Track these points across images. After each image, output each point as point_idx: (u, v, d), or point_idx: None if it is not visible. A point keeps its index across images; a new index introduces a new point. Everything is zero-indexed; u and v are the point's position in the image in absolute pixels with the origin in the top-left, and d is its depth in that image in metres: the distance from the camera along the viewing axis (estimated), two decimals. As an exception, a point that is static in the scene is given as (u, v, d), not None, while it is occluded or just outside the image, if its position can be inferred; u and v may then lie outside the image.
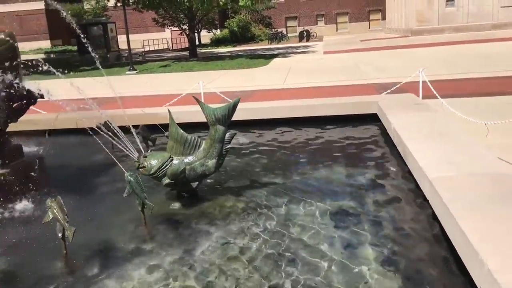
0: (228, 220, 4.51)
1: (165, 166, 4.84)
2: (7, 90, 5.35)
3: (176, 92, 10.88)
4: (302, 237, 4.05)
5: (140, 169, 4.92)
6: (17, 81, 5.43)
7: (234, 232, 4.25)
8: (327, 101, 8.75)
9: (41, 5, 50.81)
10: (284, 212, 4.60)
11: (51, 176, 5.98)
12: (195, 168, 4.87)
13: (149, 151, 5.43)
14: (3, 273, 3.79)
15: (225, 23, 52.06)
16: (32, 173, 5.44)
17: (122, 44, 49.90)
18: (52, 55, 44.85)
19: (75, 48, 41.25)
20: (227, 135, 4.88)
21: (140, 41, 47.84)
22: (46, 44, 50.84)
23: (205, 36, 50.24)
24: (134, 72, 23.77)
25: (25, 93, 5.51)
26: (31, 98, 5.65)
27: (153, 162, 4.88)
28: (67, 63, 33.00)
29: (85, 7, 50.29)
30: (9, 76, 5.36)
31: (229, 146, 4.94)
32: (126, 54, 33.56)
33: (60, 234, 3.78)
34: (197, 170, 4.87)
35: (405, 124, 6.27)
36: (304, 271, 3.50)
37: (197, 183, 5.01)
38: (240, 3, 28.18)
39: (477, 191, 3.68)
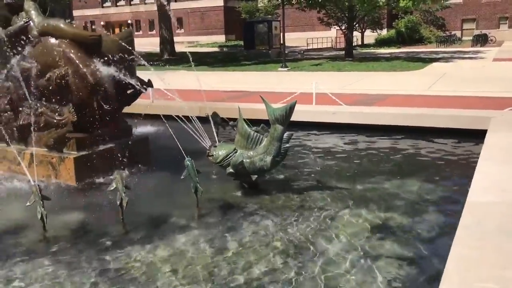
0: (276, 213, 4.84)
1: (229, 157, 5.35)
2: (125, 78, 6.36)
3: (304, 91, 11.27)
4: (327, 246, 4.19)
5: (209, 157, 5.51)
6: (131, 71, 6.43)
7: (274, 224, 4.57)
8: (437, 112, 8.30)
9: (221, 2, 55.60)
10: (329, 215, 4.74)
11: (152, 154, 6.88)
12: (254, 162, 5.27)
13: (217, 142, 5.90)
14: (75, 228, 4.71)
15: (393, 24, 50.38)
16: (135, 150, 6.38)
17: (290, 42, 52.16)
18: (224, 49, 48.82)
19: (245, 43, 44.24)
20: (285, 135, 5.17)
21: (305, 39, 49.08)
22: (221, 38, 55.50)
23: (370, 36, 49.36)
24: (286, 69, 24.76)
25: (137, 82, 6.49)
26: (144, 85, 6.64)
27: (220, 152, 5.43)
28: (233, 57, 35.83)
29: (259, 5, 53.41)
30: (125, 67, 6.34)
31: (287, 145, 5.22)
32: (287, 51, 35.10)
33: (118, 202, 4.56)
34: (256, 164, 5.27)
35: (500, 144, 5.76)
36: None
37: (256, 176, 5.40)
38: (400, 3, 27.16)
39: (502, 220, 3.40)
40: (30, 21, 6.13)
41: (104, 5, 63.68)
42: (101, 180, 5.91)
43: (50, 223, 4.55)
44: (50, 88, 5.95)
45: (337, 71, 23.52)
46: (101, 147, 6.17)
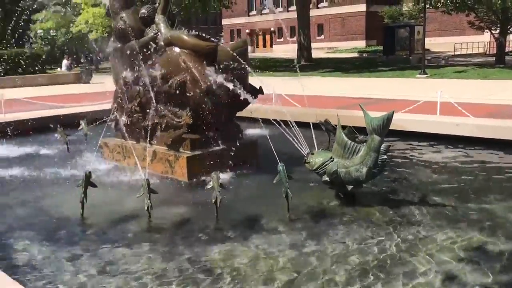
0: (367, 225, 4.76)
1: (325, 165, 5.39)
2: (236, 86, 6.75)
3: (426, 99, 10.70)
4: (415, 266, 4.03)
5: (306, 164, 5.61)
6: (243, 79, 6.81)
7: (362, 237, 4.50)
8: None
9: (363, 7, 54.69)
10: (424, 234, 4.52)
11: (261, 157, 7.15)
12: (350, 172, 5.23)
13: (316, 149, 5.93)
14: (176, 220, 5.16)
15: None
16: (244, 152, 6.74)
17: (436, 47, 49.17)
18: (364, 55, 47.96)
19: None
20: (383, 146, 5.04)
21: (452, 44, 45.93)
22: (361, 44, 54.55)
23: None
24: (424, 76, 23.50)
25: (248, 89, 6.85)
26: (254, 93, 6.99)
27: (317, 160, 5.50)
28: (371, 63, 35.07)
29: (403, 10, 51.36)
30: (238, 75, 6.72)
31: (384, 157, 5.09)
32: (429, 57, 33.23)
33: (213, 200, 4.91)
34: (352, 174, 5.22)
35: None
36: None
37: (351, 186, 5.34)
38: None
39: None
40: (159, 33, 6.87)
41: (250, 14, 66.96)
42: (210, 178, 6.37)
43: (155, 214, 5.08)
44: (172, 93, 6.59)
45: (483, 79, 21.64)
46: (213, 148, 6.65)
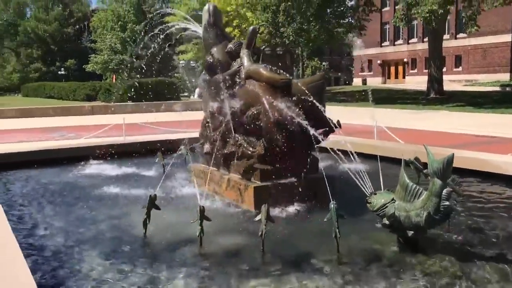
0: (421, 277, 4.36)
1: (385, 207, 5.08)
2: (315, 119, 6.73)
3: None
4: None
5: (367, 205, 5.35)
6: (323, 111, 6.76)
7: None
8: None
9: (508, 38, 50.30)
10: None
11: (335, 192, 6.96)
12: (410, 216, 4.85)
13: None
14: (225, 249, 5.24)
15: None
16: (314, 187, 6.64)
17: None
18: (507, 88, 43.87)
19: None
20: (444, 191, 4.60)
21: None
22: (505, 76, 50.01)
23: None
24: None
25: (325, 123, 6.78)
26: (330, 126, 6.90)
27: (378, 200, 5.21)
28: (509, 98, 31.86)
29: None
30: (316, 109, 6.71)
31: (447, 203, 4.63)
32: None
33: (259, 233, 4.92)
34: (412, 219, 4.83)
35: None
36: None
37: (412, 232, 4.93)
38: None
39: None
40: (241, 66, 7.18)
41: (382, 44, 65.73)
42: (276, 211, 6.38)
43: (209, 241, 5.23)
44: (248, 124, 6.80)
45: None
46: (283, 180, 6.66)
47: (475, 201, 6.88)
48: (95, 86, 47.25)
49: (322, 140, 6.76)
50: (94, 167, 9.86)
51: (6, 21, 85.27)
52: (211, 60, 7.64)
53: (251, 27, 7.55)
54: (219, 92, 7.41)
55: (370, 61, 67.88)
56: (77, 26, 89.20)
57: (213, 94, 7.58)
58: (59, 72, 77.94)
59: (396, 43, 64.01)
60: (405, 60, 62.38)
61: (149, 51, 11.32)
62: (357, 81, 68.27)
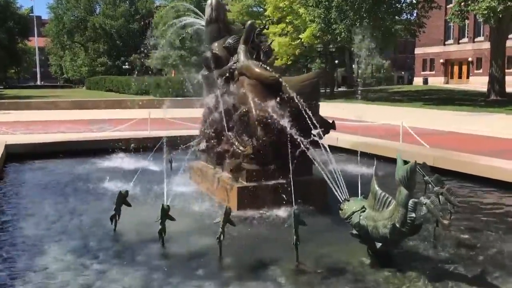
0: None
1: (353, 215, 4.73)
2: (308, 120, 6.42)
3: None
4: None
5: (340, 211, 5.01)
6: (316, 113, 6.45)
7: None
8: None
9: None
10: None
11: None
12: (377, 227, 4.47)
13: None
14: (186, 252, 5.06)
15: None
16: (305, 189, 6.32)
17: None
18: None
19: None
20: (410, 202, 4.18)
21: None
22: None
23: None
24: None
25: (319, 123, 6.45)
26: (326, 127, 6.57)
27: (349, 208, 4.86)
28: None
29: None
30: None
31: (413, 215, 4.20)
32: None
33: (217, 236, 4.71)
34: (379, 230, 4.45)
35: None
36: None
37: (380, 244, 4.54)
38: None
39: None
40: (236, 63, 6.98)
41: (446, 43, 62.67)
42: (259, 212, 6.15)
43: (172, 242, 5.11)
44: (240, 122, 6.60)
45: None
46: (269, 182, 6.40)
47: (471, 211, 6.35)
48: (150, 81, 48.72)
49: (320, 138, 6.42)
50: (105, 160, 10.01)
51: (77, 17, 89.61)
52: (207, 55, 7.50)
53: (249, 22, 7.31)
54: (214, 88, 7.26)
55: (432, 60, 64.92)
56: (142, 22, 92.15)
57: (210, 90, 7.45)
58: (123, 66, 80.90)
59: (460, 41, 60.68)
60: (469, 59, 58.95)
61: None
62: (417, 81, 65.45)
